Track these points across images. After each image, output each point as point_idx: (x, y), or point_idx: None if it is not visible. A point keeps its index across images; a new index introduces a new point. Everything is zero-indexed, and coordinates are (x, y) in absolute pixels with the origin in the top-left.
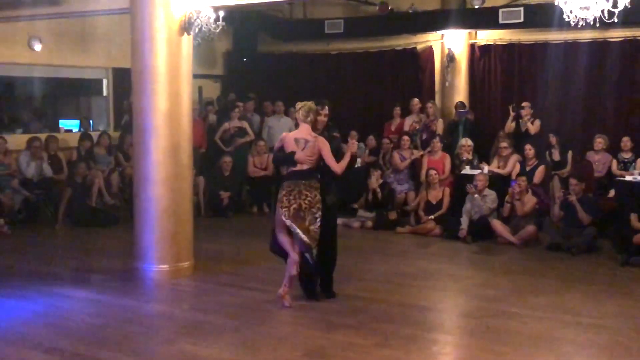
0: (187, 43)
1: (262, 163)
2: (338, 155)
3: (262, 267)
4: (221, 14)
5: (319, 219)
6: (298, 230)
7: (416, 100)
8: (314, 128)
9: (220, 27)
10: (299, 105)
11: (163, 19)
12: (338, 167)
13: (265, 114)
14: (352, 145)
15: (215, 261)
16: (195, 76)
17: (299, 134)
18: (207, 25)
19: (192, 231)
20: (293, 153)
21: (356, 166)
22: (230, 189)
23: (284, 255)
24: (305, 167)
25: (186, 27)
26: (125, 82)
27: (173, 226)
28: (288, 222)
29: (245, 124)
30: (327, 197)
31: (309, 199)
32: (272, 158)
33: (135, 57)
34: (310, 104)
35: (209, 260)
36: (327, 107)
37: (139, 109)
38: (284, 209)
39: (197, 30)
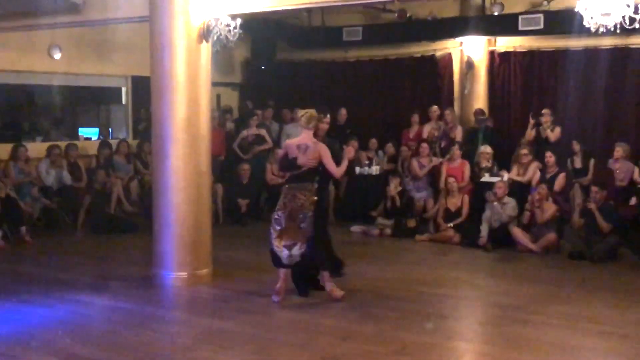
0: (205, 51)
1: None
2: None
3: None
4: (239, 21)
5: (309, 218)
6: (273, 232)
7: (435, 107)
8: (316, 135)
9: (238, 35)
10: (301, 112)
11: (182, 27)
12: (337, 172)
13: (284, 122)
14: (349, 151)
15: (234, 268)
16: (213, 84)
17: (301, 141)
18: (225, 33)
19: (210, 238)
20: (296, 159)
21: (375, 174)
22: (249, 197)
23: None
24: (304, 169)
25: (205, 35)
26: (145, 90)
27: (191, 233)
28: (279, 225)
29: (263, 132)
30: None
31: (301, 201)
32: (278, 166)
33: (154, 65)
34: (312, 111)
35: (228, 267)
36: (329, 116)
37: (158, 116)
38: (279, 211)
39: (215, 38)
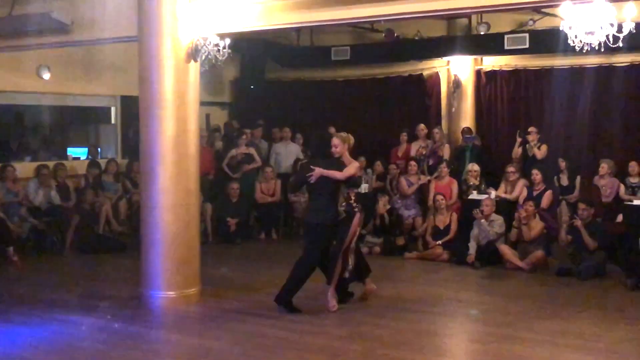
0: (194, 70)
1: (270, 189)
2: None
3: (270, 293)
4: (227, 41)
5: None
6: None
7: (422, 125)
8: (331, 155)
9: (227, 55)
10: (349, 136)
11: (170, 46)
12: None
13: (273, 140)
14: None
15: (223, 287)
16: (202, 103)
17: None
18: (214, 52)
19: (199, 257)
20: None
21: (364, 192)
22: (238, 216)
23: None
24: None
25: (193, 54)
26: (133, 110)
27: (180, 252)
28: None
29: (252, 151)
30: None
31: None
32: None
33: (142, 85)
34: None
35: (217, 286)
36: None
37: (147, 135)
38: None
39: (204, 57)
